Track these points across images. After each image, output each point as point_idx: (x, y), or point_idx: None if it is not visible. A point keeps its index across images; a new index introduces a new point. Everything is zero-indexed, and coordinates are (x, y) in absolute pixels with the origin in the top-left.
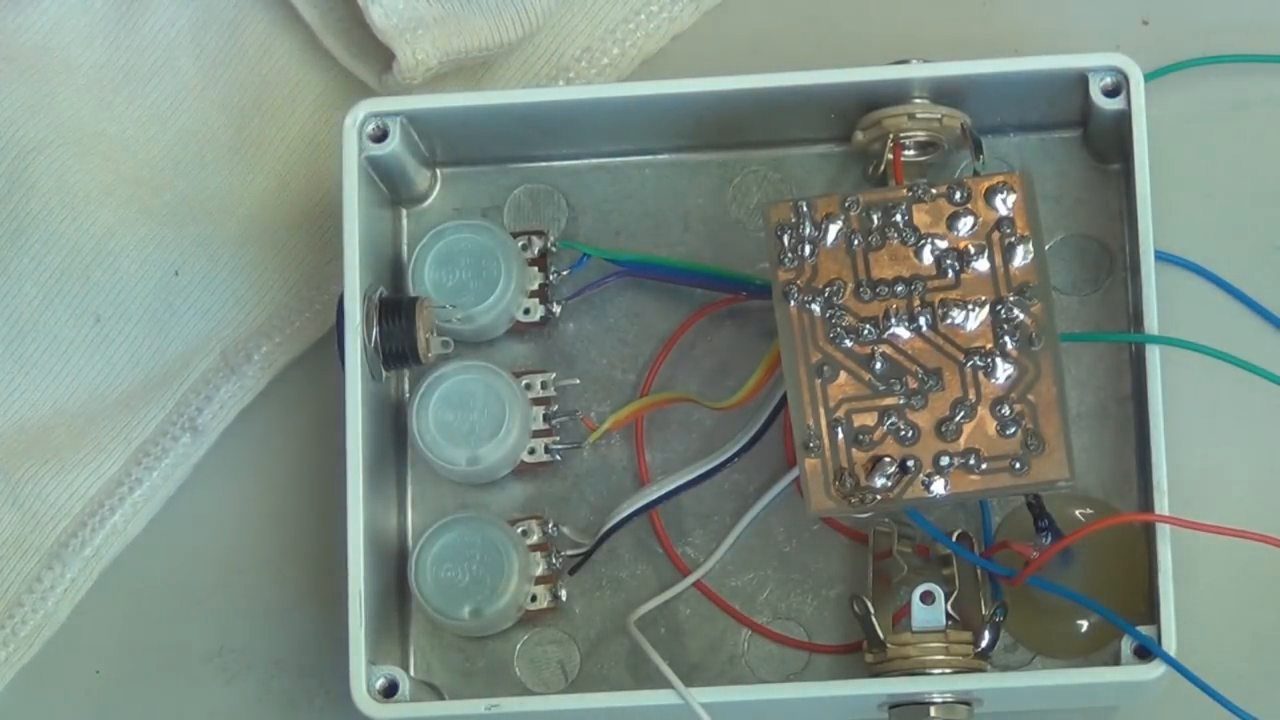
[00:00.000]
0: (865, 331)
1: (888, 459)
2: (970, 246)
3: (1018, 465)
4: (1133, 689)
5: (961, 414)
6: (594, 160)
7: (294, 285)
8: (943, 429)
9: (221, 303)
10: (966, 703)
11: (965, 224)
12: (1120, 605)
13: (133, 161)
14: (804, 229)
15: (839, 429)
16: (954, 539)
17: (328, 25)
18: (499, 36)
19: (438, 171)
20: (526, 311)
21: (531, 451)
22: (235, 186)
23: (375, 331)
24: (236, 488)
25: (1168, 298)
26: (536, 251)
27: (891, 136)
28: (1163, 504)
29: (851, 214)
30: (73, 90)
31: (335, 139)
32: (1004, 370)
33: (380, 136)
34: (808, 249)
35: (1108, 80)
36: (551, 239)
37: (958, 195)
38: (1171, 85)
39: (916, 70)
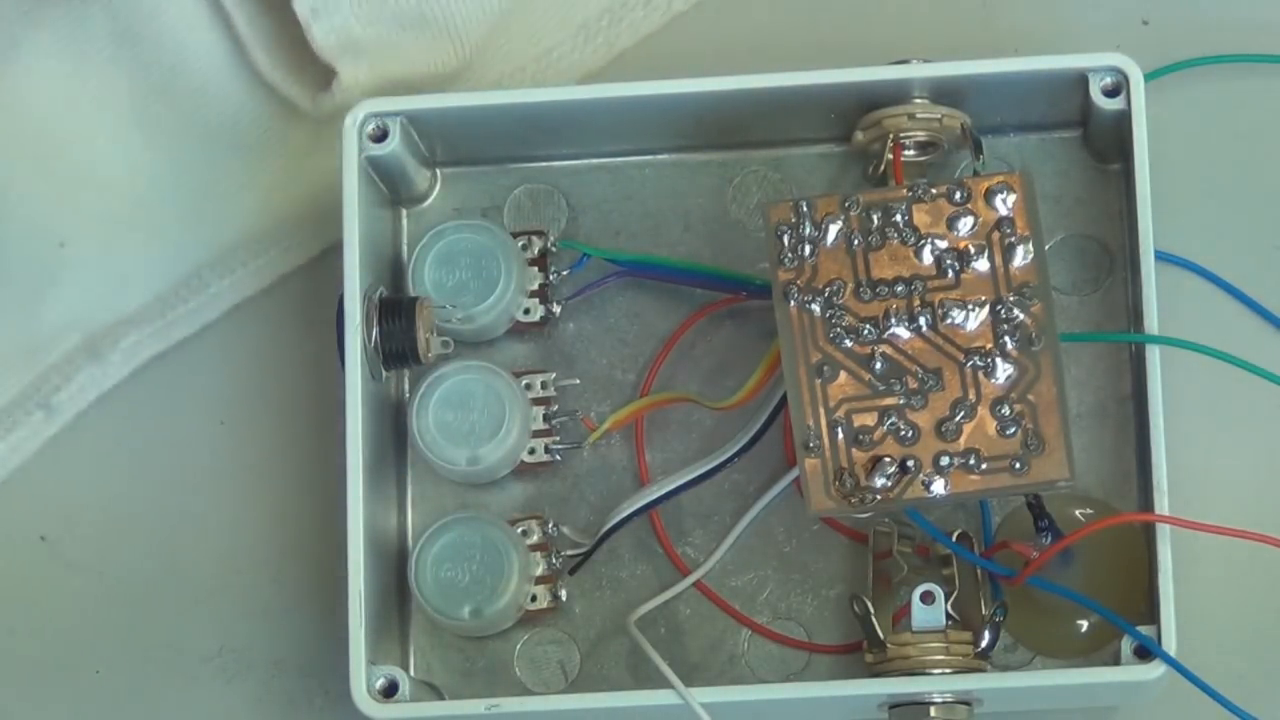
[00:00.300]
0: (865, 331)
1: (888, 459)
2: (970, 246)
3: (1018, 465)
4: (1133, 689)
5: (961, 414)
6: (594, 160)
7: (174, 278)
8: (943, 429)
9: (100, 283)
10: (966, 703)
11: (965, 224)
12: (1120, 605)
13: (34, 119)
14: (804, 229)
15: (839, 429)
16: (954, 539)
17: (259, 41)
18: (433, 65)
19: (438, 171)
20: (526, 311)
21: (531, 451)
22: (132, 165)
23: (375, 331)
24: (235, 488)
25: (1168, 298)
26: (536, 251)
27: (891, 136)
28: (1163, 504)
29: (851, 214)
30: None
31: (237, 141)
32: (1004, 370)
33: (380, 136)
34: (808, 249)
35: (1108, 80)
36: (551, 239)
37: (958, 195)
38: (1171, 85)
39: (916, 70)
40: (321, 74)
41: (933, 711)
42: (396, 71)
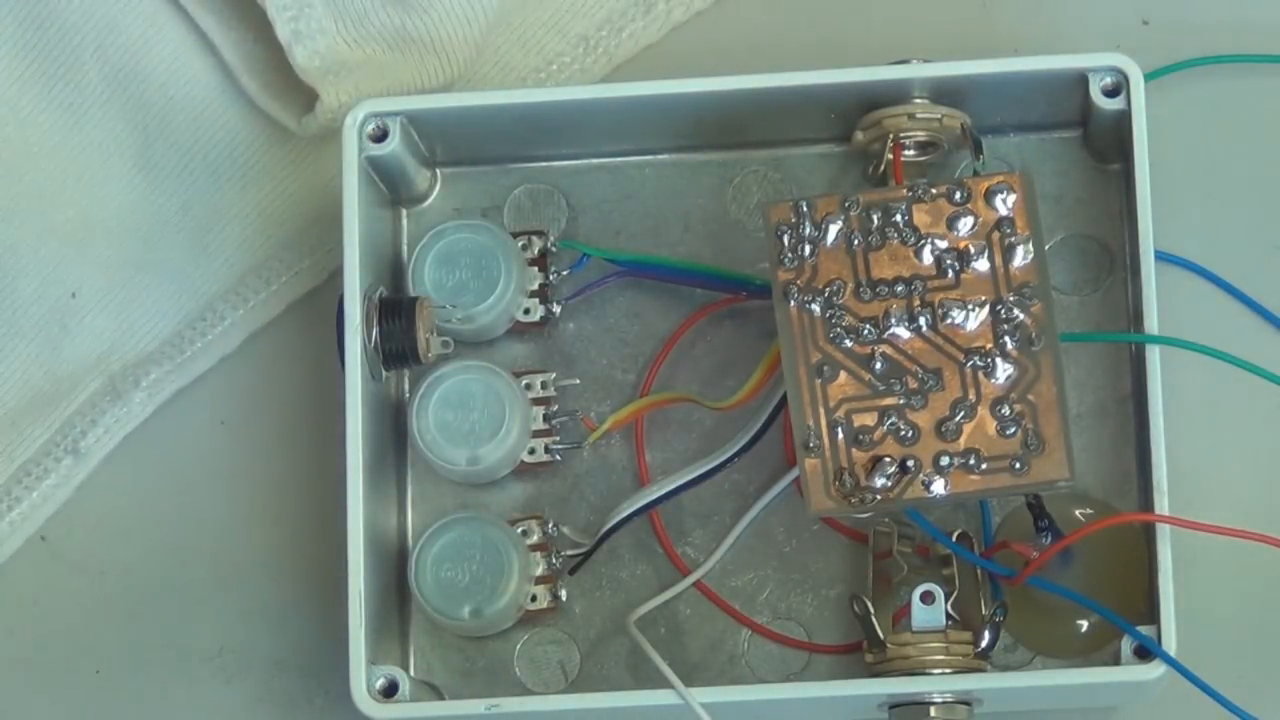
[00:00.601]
0: (865, 331)
1: (888, 459)
2: (970, 246)
3: (1018, 465)
4: (1133, 689)
5: (961, 414)
6: (594, 160)
7: (188, 314)
8: (943, 429)
9: (115, 327)
10: (966, 703)
11: (965, 224)
12: (1120, 605)
13: (36, 172)
14: (804, 229)
15: (839, 429)
16: (954, 539)
17: (247, 66)
18: (421, 82)
19: (438, 171)
20: (526, 311)
21: (531, 451)
22: (137, 206)
23: (375, 331)
24: (235, 488)
25: (1168, 298)
26: (536, 251)
27: (891, 136)
28: (1163, 504)
29: (851, 214)
30: None
31: (238, 169)
32: (1004, 370)
33: (380, 136)
34: (808, 249)
35: (1108, 80)
36: (551, 239)
37: (958, 195)
38: (1171, 85)
39: (916, 70)
40: (308, 96)
41: (933, 711)
42: (383, 90)
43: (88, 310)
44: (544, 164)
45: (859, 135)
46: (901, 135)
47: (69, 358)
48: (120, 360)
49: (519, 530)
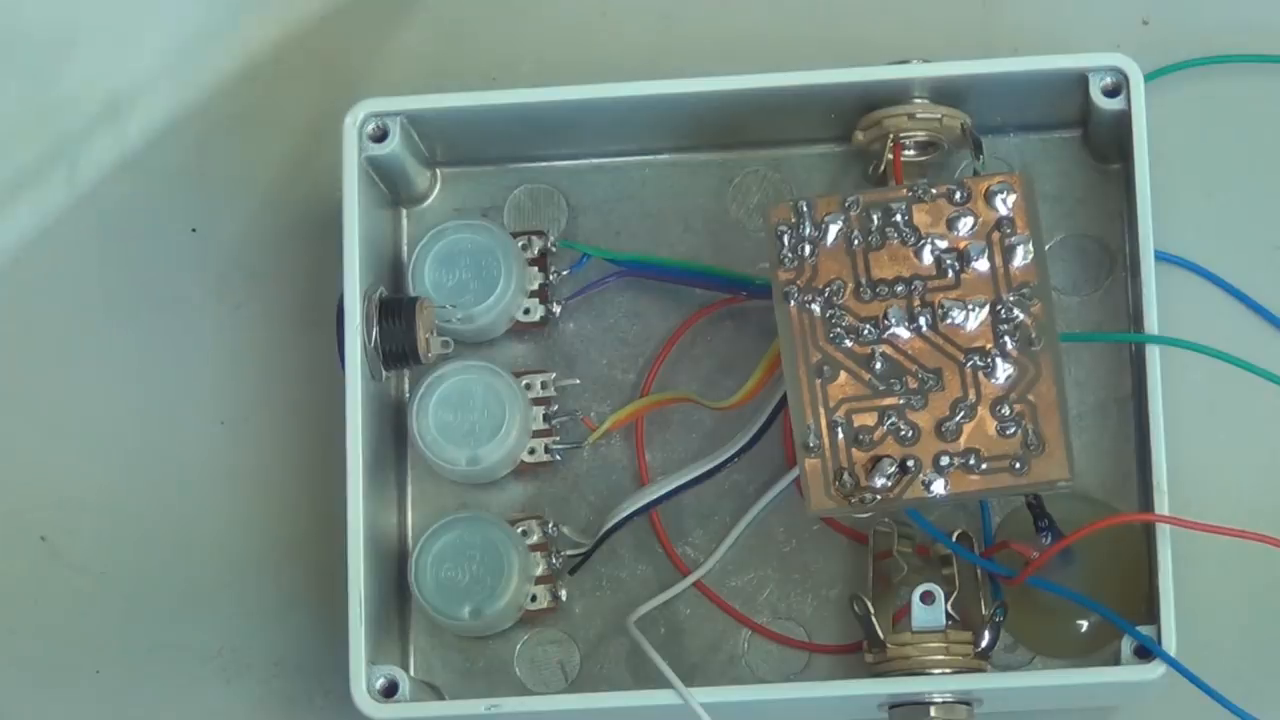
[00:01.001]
0: (865, 331)
1: (888, 459)
2: (970, 246)
3: (1018, 465)
4: (1133, 689)
5: (961, 414)
6: (594, 160)
7: (186, 39)
8: (943, 429)
9: (113, 51)
10: (966, 703)
11: (965, 224)
12: (1120, 605)
13: None
14: (804, 229)
15: (839, 429)
16: (954, 539)
17: None
18: None
19: (438, 171)
20: (526, 311)
21: (531, 451)
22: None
23: (375, 331)
24: (235, 488)
25: (1168, 298)
26: (536, 251)
27: (891, 136)
28: (1163, 504)
29: (851, 214)
30: None
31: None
32: (1004, 370)
33: (380, 136)
34: (808, 249)
35: (1108, 80)
36: (551, 239)
37: (958, 195)
38: (1171, 85)
39: (916, 70)
40: None
41: (933, 711)
42: None
43: (88, 40)
44: (544, 164)
45: (859, 135)
46: (901, 135)
47: (65, 80)
48: (117, 84)
49: (519, 530)
